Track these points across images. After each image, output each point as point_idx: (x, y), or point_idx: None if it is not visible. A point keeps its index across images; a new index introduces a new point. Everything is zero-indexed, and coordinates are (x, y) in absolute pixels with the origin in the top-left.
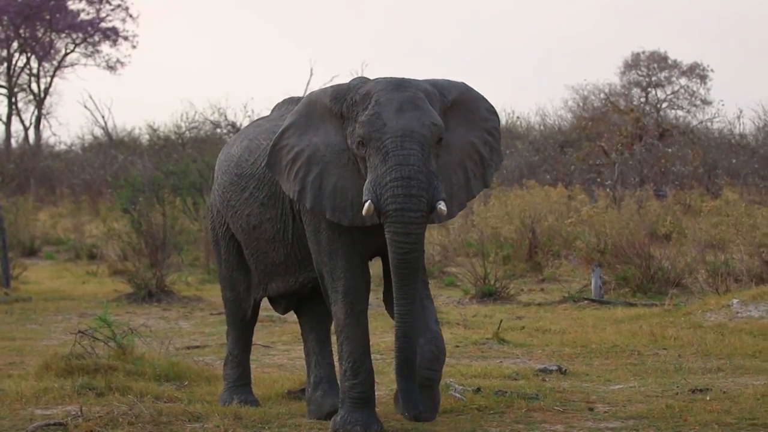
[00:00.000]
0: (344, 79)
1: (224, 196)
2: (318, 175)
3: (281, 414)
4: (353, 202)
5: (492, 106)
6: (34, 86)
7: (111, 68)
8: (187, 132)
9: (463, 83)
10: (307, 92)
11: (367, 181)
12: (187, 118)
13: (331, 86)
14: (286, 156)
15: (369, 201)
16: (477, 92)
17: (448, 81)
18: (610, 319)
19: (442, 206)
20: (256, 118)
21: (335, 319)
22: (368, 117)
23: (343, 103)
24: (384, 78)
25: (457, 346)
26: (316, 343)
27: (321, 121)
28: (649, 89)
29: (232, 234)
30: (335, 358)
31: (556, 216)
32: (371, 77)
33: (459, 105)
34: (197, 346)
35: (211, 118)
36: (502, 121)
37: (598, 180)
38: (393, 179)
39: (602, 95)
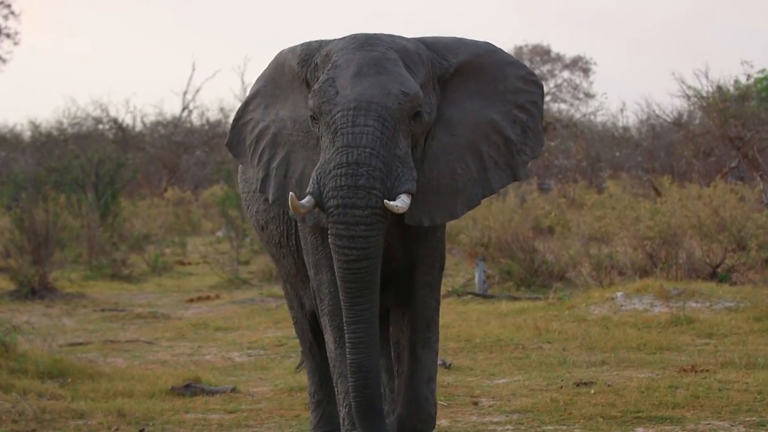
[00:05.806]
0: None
1: (241, 186)
2: (284, 160)
3: (165, 410)
4: None
5: (530, 74)
6: None
7: None
8: (69, 128)
9: (485, 43)
10: (189, 87)
11: (316, 167)
12: (69, 114)
13: (302, 44)
14: (251, 134)
15: (309, 195)
16: (506, 54)
17: (458, 39)
18: (495, 313)
19: (397, 203)
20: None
21: (327, 350)
22: (320, 84)
23: (308, 67)
24: (352, 34)
25: None
26: (383, 372)
27: (289, 89)
28: None
29: None
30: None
31: None
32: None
33: (472, 70)
34: (80, 343)
35: (94, 114)
36: None
37: None
38: (337, 165)
39: None
